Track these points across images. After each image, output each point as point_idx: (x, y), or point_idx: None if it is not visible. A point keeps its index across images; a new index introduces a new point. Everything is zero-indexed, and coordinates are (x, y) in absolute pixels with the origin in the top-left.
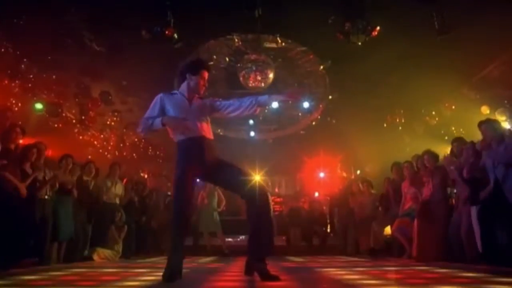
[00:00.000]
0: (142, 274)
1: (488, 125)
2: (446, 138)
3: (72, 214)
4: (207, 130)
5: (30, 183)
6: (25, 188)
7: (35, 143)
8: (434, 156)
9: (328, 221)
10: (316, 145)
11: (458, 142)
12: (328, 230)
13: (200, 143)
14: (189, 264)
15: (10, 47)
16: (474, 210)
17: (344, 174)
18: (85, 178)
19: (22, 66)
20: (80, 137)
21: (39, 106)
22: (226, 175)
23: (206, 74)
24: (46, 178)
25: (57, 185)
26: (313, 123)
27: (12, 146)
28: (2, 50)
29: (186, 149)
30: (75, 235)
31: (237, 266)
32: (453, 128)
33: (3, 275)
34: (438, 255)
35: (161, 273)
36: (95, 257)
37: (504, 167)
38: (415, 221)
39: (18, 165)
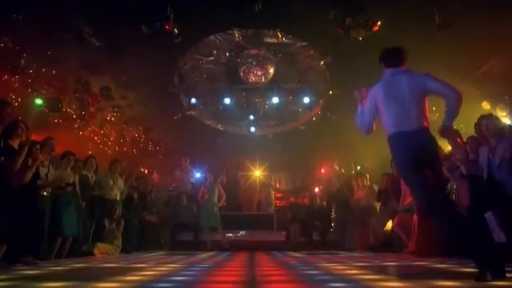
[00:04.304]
0: (142, 268)
1: (489, 120)
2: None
3: (75, 210)
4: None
5: (32, 178)
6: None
7: (45, 139)
8: None
9: (332, 216)
10: (316, 141)
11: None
12: (332, 224)
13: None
14: (189, 259)
15: (10, 42)
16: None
17: (343, 171)
18: (85, 173)
19: (22, 61)
20: (80, 133)
21: (39, 101)
22: None
23: None
24: (49, 174)
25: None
26: (314, 118)
27: (17, 142)
28: (2, 45)
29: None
30: (77, 230)
31: (237, 261)
32: (453, 124)
33: (5, 270)
34: (437, 250)
35: (161, 268)
36: (96, 252)
37: (508, 163)
38: (415, 217)
39: (20, 160)
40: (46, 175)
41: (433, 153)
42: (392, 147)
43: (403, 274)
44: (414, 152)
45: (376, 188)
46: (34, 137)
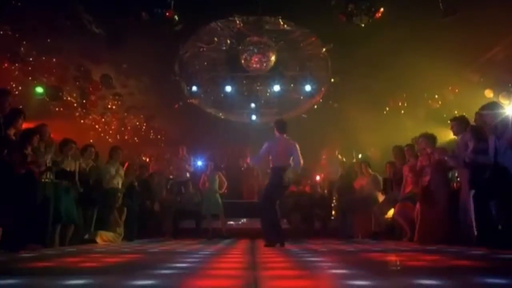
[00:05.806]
0: (144, 255)
1: (488, 110)
2: (449, 122)
3: (75, 198)
4: None
5: (31, 165)
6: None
7: (38, 126)
8: (430, 139)
9: (333, 204)
10: (318, 129)
11: (457, 121)
12: (333, 212)
13: None
14: (190, 246)
15: (9, 30)
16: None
17: (344, 159)
18: (86, 162)
19: (22, 49)
20: (82, 121)
21: (39, 89)
22: None
23: None
24: (48, 161)
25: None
26: (315, 106)
27: (13, 132)
28: (1, 33)
29: None
30: (78, 218)
31: (238, 249)
32: (456, 112)
33: (10, 258)
34: (440, 238)
35: (162, 255)
36: (98, 240)
37: None
38: (418, 205)
39: (19, 149)
40: (46, 161)
41: None
42: None
43: (401, 262)
44: None
45: (380, 178)
46: (37, 124)
